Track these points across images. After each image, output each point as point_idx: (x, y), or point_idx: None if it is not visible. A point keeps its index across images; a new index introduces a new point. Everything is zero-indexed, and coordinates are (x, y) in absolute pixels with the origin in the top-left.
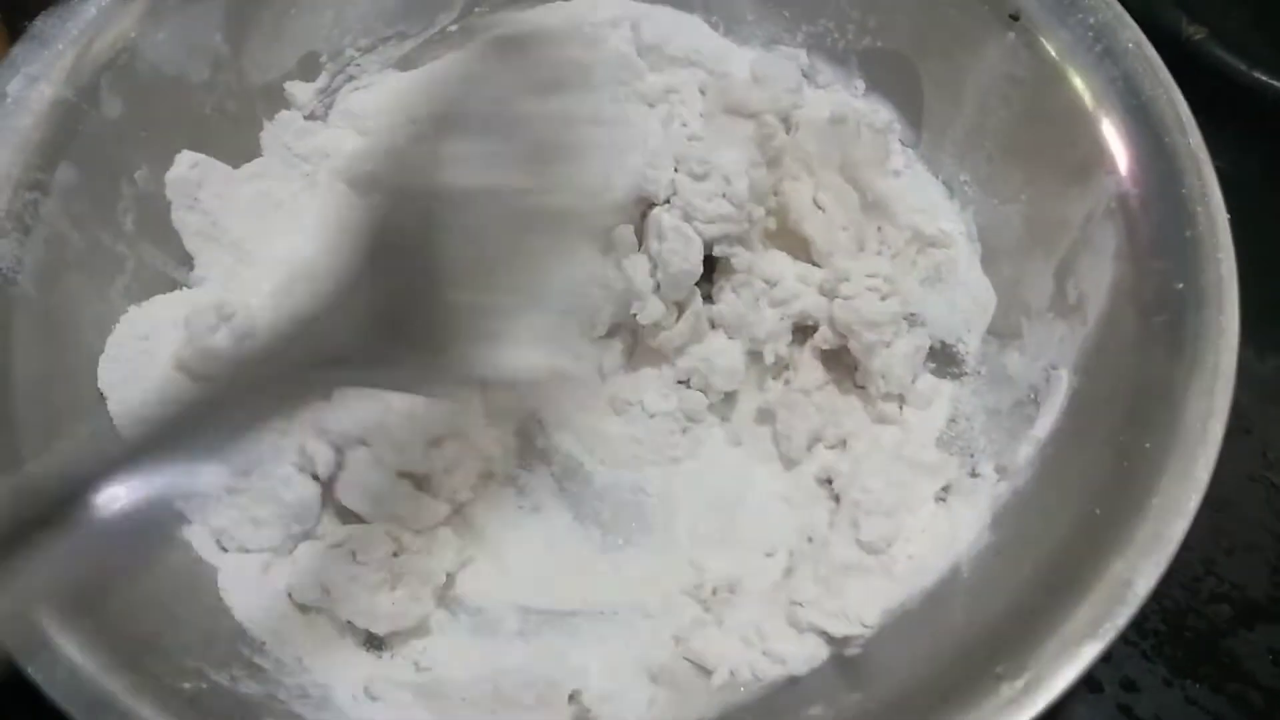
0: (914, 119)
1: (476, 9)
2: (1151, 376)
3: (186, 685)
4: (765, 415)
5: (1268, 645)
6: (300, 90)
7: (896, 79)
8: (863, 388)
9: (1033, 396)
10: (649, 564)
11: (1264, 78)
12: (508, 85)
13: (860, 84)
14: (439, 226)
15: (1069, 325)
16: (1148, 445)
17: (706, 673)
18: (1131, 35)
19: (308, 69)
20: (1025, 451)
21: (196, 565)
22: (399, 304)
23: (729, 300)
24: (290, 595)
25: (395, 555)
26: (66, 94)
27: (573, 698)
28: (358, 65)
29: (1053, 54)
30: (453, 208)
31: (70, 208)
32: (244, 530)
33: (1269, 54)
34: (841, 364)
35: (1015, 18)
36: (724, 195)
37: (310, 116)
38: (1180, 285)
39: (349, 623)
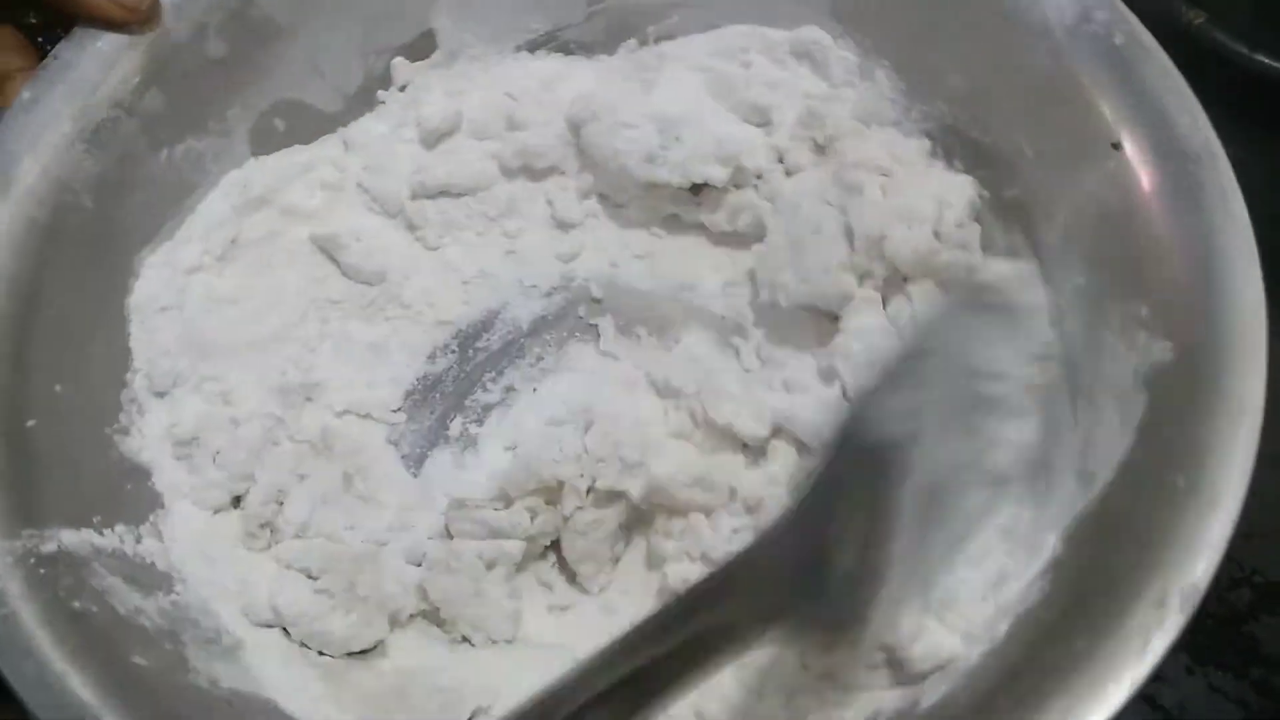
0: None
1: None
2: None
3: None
4: None
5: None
6: (404, 69)
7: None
8: None
9: None
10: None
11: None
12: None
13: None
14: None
15: None
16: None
17: None
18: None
19: (419, 50)
20: None
21: None
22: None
23: None
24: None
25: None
26: (173, 25)
27: (473, 716)
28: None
29: (1144, 189)
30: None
31: (152, 131)
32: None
33: (1270, 38)
34: None
35: (1117, 147)
36: None
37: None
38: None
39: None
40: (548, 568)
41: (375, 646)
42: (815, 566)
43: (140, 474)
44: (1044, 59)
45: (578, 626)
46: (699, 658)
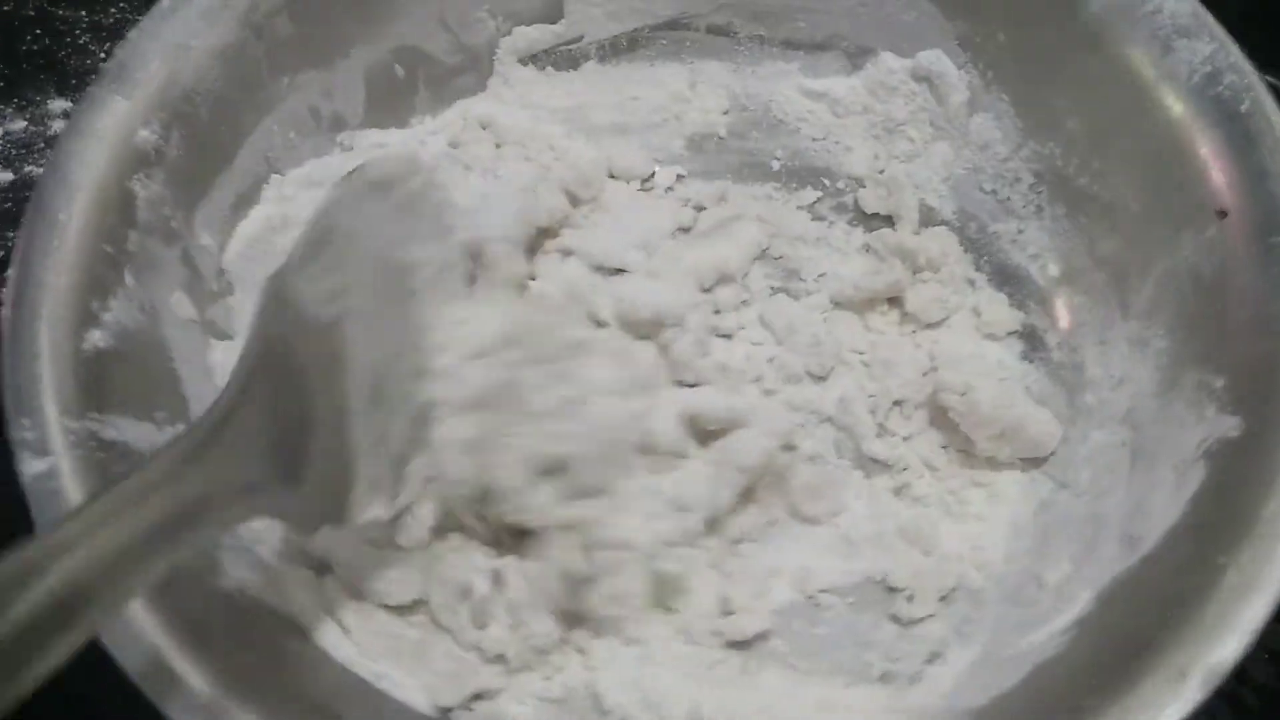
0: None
1: None
2: None
3: None
4: None
5: (1262, 644)
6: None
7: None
8: None
9: None
10: None
11: None
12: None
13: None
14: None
15: None
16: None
17: None
18: None
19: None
20: None
21: None
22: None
23: None
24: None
25: None
26: None
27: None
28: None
29: (1241, 263)
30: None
31: (276, 56)
32: None
33: None
34: None
35: (1222, 215)
36: None
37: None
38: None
39: None
40: None
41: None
42: (281, 448)
43: (210, 378)
44: (1166, 115)
45: None
46: (179, 527)
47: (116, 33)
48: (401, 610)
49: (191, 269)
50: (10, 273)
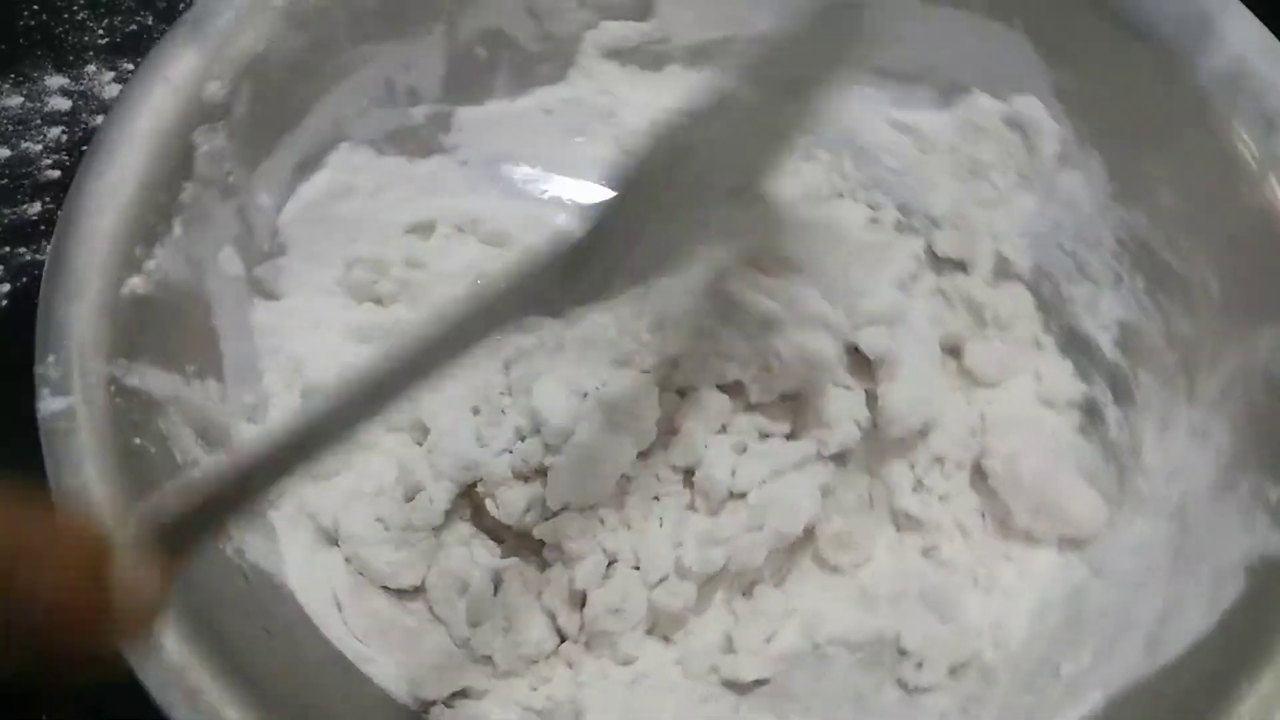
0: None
1: None
2: None
3: None
4: None
5: None
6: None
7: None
8: None
9: None
10: None
11: None
12: None
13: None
14: None
15: None
16: None
17: None
18: None
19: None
20: None
21: None
22: None
23: None
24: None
25: None
26: None
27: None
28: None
29: None
30: None
31: (358, 24)
32: None
33: None
34: None
35: None
36: None
37: None
38: None
39: None
40: None
41: (413, 590)
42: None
43: (250, 338)
44: (1262, 200)
45: None
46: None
47: (114, 8)
48: (401, 595)
49: (245, 226)
50: (62, 210)
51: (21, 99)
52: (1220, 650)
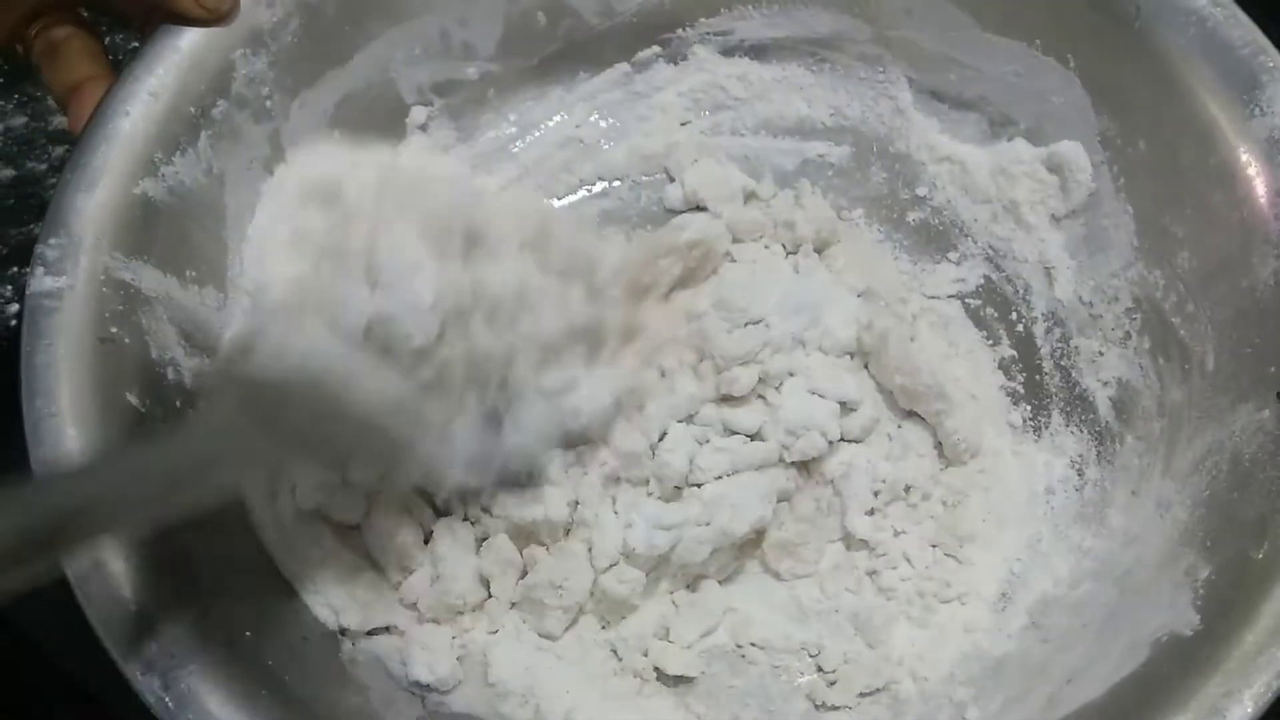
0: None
1: None
2: None
3: None
4: None
5: None
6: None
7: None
8: None
9: None
10: None
11: None
12: None
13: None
14: None
15: None
16: None
17: None
18: None
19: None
20: None
21: None
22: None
23: None
24: None
25: None
26: None
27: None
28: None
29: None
30: None
31: None
32: None
33: None
34: None
35: None
36: None
37: None
38: None
39: None
40: None
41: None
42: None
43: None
44: (1269, 279)
45: None
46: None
47: (114, 28)
48: (344, 530)
49: (276, 149)
50: (95, 111)
51: (26, 118)
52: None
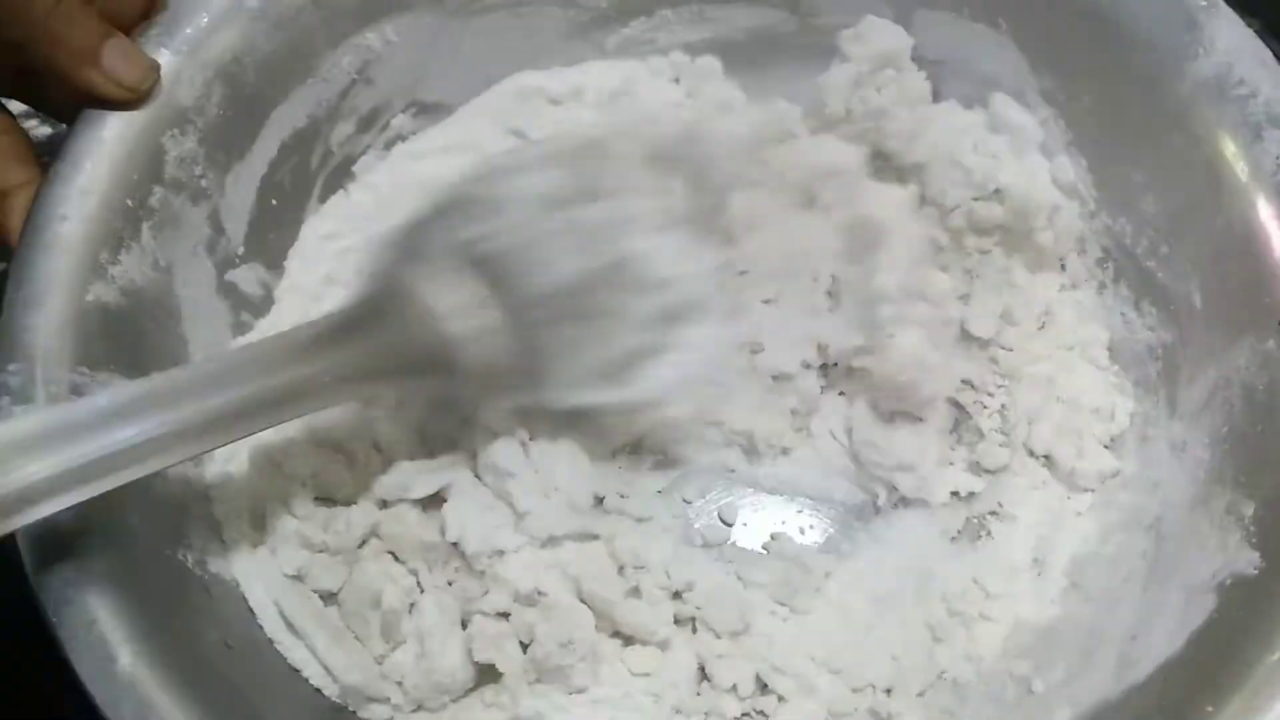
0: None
1: None
2: None
3: None
4: None
5: None
6: None
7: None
8: None
9: None
10: None
11: None
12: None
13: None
14: None
15: None
16: None
17: None
18: None
19: None
20: None
21: None
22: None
23: None
24: None
25: None
26: None
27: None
28: None
29: None
30: None
31: None
32: None
33: None
34: None
35: None
36: None
37: None
38: None
39: None
40: None
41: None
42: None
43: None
44: (1243, 209)
45: None
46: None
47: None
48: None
49: (217, 229)
50: (28, 219)
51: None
52: (1188, 673)
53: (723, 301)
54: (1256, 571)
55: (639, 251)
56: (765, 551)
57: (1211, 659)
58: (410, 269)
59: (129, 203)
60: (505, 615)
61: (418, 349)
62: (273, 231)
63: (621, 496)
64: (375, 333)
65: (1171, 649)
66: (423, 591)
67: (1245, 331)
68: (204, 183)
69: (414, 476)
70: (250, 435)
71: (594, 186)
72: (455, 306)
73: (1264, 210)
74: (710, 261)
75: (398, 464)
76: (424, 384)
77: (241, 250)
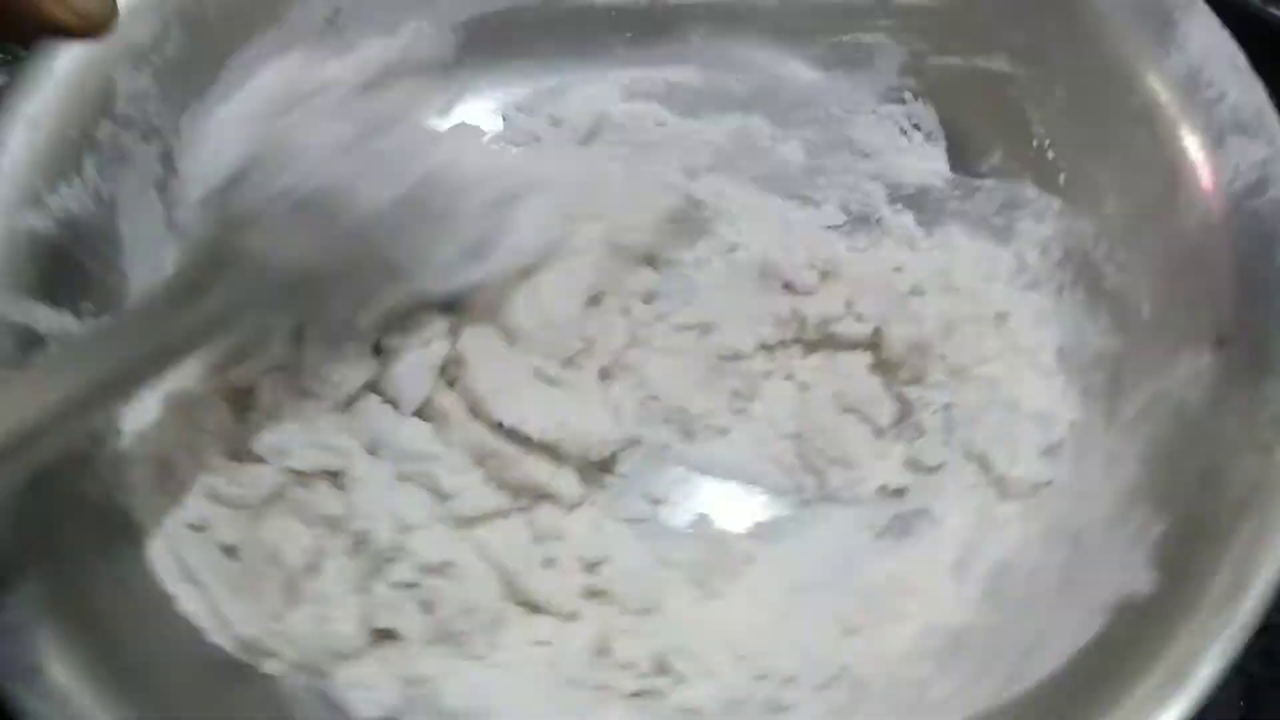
0: None
1: None
2: None
3: None
4: None
5: None
6: None
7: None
8: None
9: None
10: None
11: None
12: None
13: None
14: None
15: None
16: None
17: None
18: None
19: None
20: None
21: None
22: None
23: None
24: None
25: None
26: None
27: None
28: None
29: (1223, 404)
30: None
31: None
32: None
33: None
34: None
35: (1221, 343)
36: None
37: None
38: None
39: None
40: None
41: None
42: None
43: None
44: (1195, 217)
45: None
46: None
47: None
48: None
49: (169, 169)
50: None
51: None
52: (1064, 692)
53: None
54: (1149, 593)
55: (443, 161)
56: (689, 531)
57: (1091, 679)
58: (238, 231)
59: (73, 134)
60: (411, 585)
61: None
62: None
63: None
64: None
65: (1056, 665)
66: (324, 554)
67: (1186, 344)
68: (157, 121)
69: (295, 438)
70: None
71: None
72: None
73: (1217, 220)
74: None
75: (281, 424)
76: (290, 307)
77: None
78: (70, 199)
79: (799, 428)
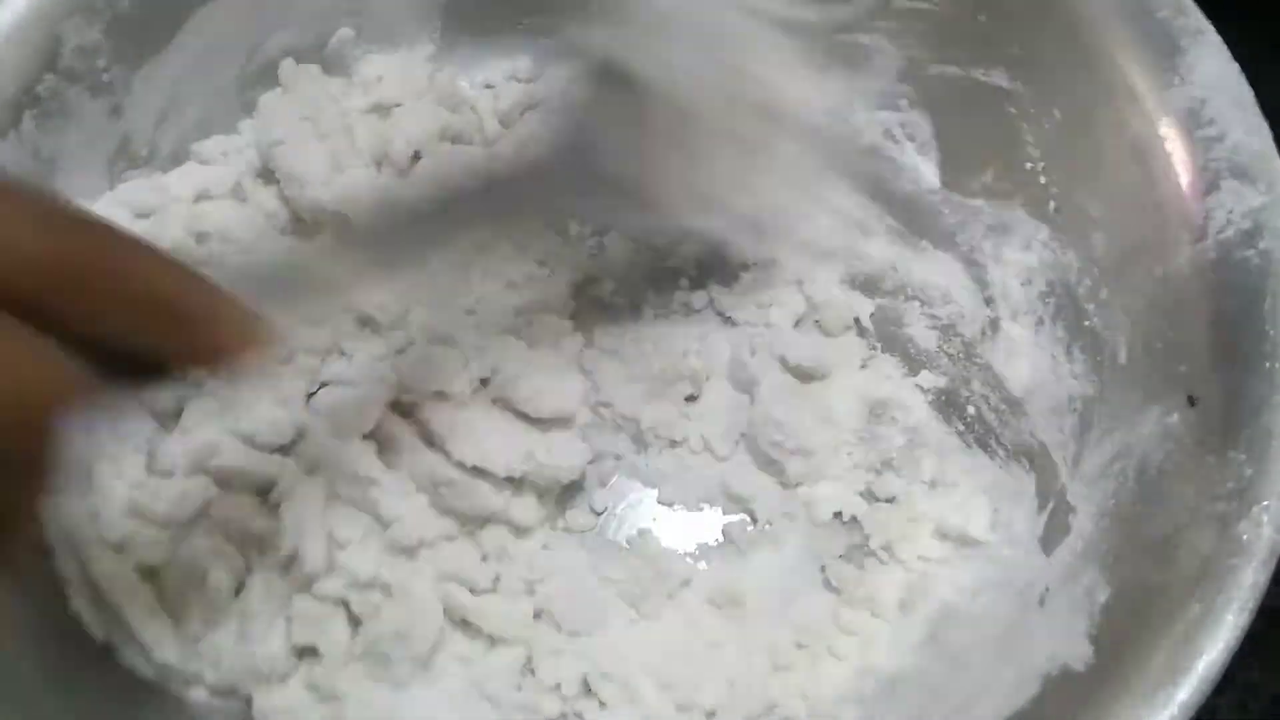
0: None
1: None
2: None
3: None
4: None
5: None
6: None
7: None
8: None
9: None
10: None
11: None
12: None
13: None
14: None
15: None
16: None
17: None
18: None
19: None
20: None
21: None
22: None
23: None
24: None
25: None
26: None
27: None
28: None
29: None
30: None
31: None
32: None
33: None
34: None
35: (1192, 402)
36: None
37: None
38: None
39: None
40: None
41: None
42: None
43: None
44: (1181, 264)
45: None
46: None
47: None
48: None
49: (120, 127)
50: None
51: None
52: None
53: None
54: (1083, 669)
55: None
56: (628, 546)
57: None
58: None
59: (11, 89)
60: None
61: None
62: (186, 139)
63: None
64: None
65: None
66: (250, 571)
67: (1157, 398)
68: (106, 77)
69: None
70: None
71: None
72: None
73: (1203, 268)
74: None
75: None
76: None
77: (145, 152)
78: (5, 155)
79: (761, 414)
